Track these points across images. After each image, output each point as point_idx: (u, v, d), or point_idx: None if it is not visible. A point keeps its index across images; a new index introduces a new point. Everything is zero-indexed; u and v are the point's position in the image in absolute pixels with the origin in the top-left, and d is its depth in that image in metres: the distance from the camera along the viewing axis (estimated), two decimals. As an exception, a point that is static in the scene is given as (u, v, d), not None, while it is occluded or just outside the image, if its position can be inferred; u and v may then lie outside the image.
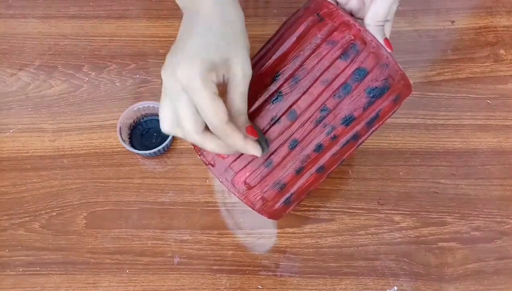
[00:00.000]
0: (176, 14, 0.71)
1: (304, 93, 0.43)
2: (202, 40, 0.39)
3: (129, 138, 0.62)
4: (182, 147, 0.62)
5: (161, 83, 0.65)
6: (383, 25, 0.44)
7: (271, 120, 0.43)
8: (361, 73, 0.43)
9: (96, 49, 0.69)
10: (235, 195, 0.46)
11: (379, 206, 0.59)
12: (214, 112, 0.38)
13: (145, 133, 0.63)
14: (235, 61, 0.40)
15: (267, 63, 0.45)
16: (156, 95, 0.65)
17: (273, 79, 0.44)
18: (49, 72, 0.67)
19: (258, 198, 0.46)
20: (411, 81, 0.65)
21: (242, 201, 0.46)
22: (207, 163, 0.46)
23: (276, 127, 0.44)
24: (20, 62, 0.68)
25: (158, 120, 0.63)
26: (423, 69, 0.67)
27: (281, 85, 0.44)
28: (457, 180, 0.60)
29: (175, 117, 0.40)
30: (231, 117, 0.40)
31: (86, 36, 0.69)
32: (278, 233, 0.58)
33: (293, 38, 0.45)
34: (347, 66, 0.43)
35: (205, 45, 0.39)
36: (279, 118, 0.43)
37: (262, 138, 0.43)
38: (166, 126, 0.41)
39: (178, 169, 0.61)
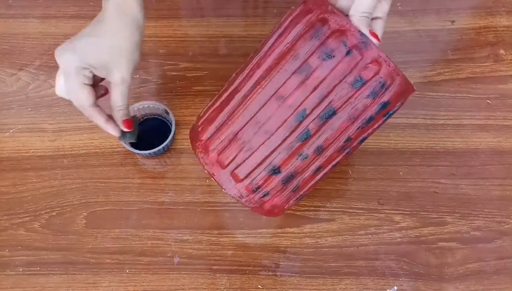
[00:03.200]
0: (176, 14, 0.71)
1: (331, 130, 0.45)
2: (92, 46, 0.48)
3: (129, 138, 0.62)
4: (182, 147, 0.62)
5: (161, 82, 0.65)
6: (367, 17, 0.44)
7: (299, 155, 0.46)
8: (385, 106, 0.44)
9: (96, 49, 0.68)
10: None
11: (379, 206, 0.59)
12: (81, 96, 0.49)
13: (145, 133, 0.63)
14: (115, 71, 0.49)
15: (289, 94, 0.44)
16: (156, 95, 0.65)
17: (299, 116, 0.44)
18: (49, 72, 0.67)
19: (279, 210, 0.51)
20: (412, 82, 0.65)
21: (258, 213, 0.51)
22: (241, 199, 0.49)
23: (304, 161, 0.46)
24: (20, 62, 0.68)
25: (158, 120, 0.63)
26: (423, 69, 0.67)
27: (308, 124, 0.44)
28: (457, 180, 0.60)
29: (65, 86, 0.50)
30: (112, 109, 0.52)
31: (86, 36, 0.69)
32: (278, 233, 0.58)
33: (318, 74, 0.43)
34: (374, 101, 0.44)
35: (91, 50, 0.48)
36: (308, 155, 0.46)
37: (134, 132, 0.55)
38: (59, 92, 0.51)
39: (178, 169, 0.61)
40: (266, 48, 0.46)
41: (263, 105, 0.44)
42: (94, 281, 0.56)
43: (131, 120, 0.53)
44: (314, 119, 0.44)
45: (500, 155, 0.62)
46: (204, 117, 0.49)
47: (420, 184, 0.60)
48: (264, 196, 0.48)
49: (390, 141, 0.63)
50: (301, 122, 0.44)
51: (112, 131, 0.53)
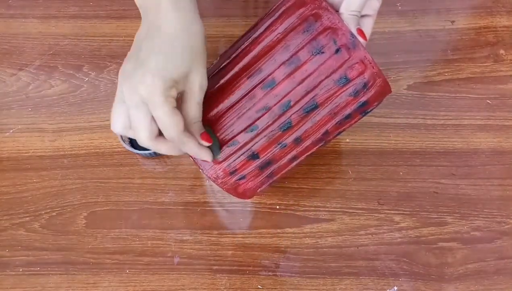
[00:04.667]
0: (176, 14, 0.71)
1: (312, 123, 0.46)
2: (165, 58, 0.41)
3: (129, 138, 0.62)
4: (182, 147, 0.62)
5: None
6: (357, 15, 0.45)
7: (278, 144, 0.47)
8: (364, 104, 0.46)
9: (96, 49, 0.69)
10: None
11: (379, 206, 0.59)
12: (173, 124, 0.41)
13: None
14: (193, 76, 0.43)
15: (276, 84, 0.45)
16: (156, 95, 0.65)
17: (283, 106, 0.45)
18: (49, 72, 0.67)
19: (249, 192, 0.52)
20: (412, 82, 0.66)
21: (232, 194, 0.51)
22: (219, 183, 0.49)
23: (282, 150, 0.47)
24: (20, 62, 0.68)
25: (158, 120, 0.63)
26: (423, 69, 0.67)
27: (291, 115, 0.45)
28: (457, 180, 0.60)
29: (128, 121, 0.43)
30: (186, 125, 0.43)
31: (86, 36, 0.69)
32: (278, 233, 0.58)
33: (307, 68, 0.44)
34: (354, 100, 0.46)
35: (166, 63, 0.41)
36: (287, 144, 0.47)
37: (215, 143, 0.46)
38: (118, 128, 0.43)
39: (178, 169, 0.61)
40: (256, 34, 0.47)
41: (249, 92, 0.45)
42: (94, 281, 0.56)
43: (207, 133, 0.45)
44: (297, 111, 0.45)
45: (500, 155, 0.62)
46: None
47: (420, 184, 0.60)
48: (240, 179, 0.49)
49: (390, 141, 0.63)
50: (284, 112, 0.45)
51: (206, 154, 0.45)
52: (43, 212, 0.59)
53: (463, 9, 0.71)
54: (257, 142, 0.47)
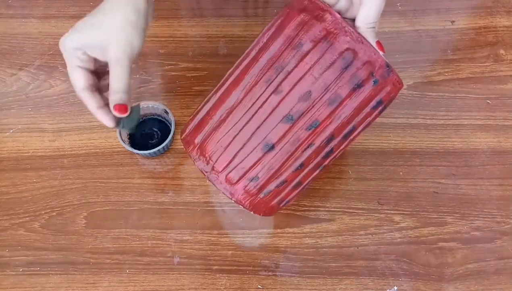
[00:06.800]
0: (176, 14, 0.71)
1: (347, 142, 0.48)
2: (88, 26, 0.47)
3: (129, 138, 0.62)
4: (182, 147, 0.62)
5: (161, 82, 0.65)
6: (374, 27, 0.44)
7: (319, 167, 0.48)
8: (383, 110, 0.48)
9: (96, 49, 0.69)
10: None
11: (379, 206, 0.59)
12: (72, 79, 0.47)
13: (145, 133, 0.63)
14: (109, 48, 0.46)
15: (320, 125, 0.44)
16: (156, 95, 0.65)
17: (327, 141, 0.46)
18: (49, 72, 0.67)
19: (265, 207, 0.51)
20: (411, 82, 0.66)
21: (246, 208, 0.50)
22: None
23: (321, 171, 0.49)
24: (20, 62, 0.68)
25: (158, 120, 0.63)
26: (423, 69, 0.67)
27: (334, 144, 0.47)
28: (457, 180, 0.60)
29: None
30: (109, 92, 0.47)
31: (86, 36, 0.69)
32: (278, 233, 0.58)
33: (347, 102, 0.44)
34: (381, 112, 0.47)
35: (86, 31, 0.46)
36: (326, 165, 0.49)
37: (132, 120, 0.48)
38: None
39: (178, 169, 0.61)
40: (287, 69, 0.44)
41: (293, 135, 0.45)
42: (94, 281, 0.56)
43: (126, 106, 0.47)
44: (339, 140, 0.46)
45: (500, 155, 0.62)
46: (206, 134, 0.47)
47: (420, 184, 0.60)
48: (284, 204, 0.50)
49: (390, 141, 0.63)
50: (328, 144, 0.46)
51: (102, 118, 0.48)
52: (43, 212, 0.59)
53: (463, 9, 0.71)
54: (302, 175, 0.48)
